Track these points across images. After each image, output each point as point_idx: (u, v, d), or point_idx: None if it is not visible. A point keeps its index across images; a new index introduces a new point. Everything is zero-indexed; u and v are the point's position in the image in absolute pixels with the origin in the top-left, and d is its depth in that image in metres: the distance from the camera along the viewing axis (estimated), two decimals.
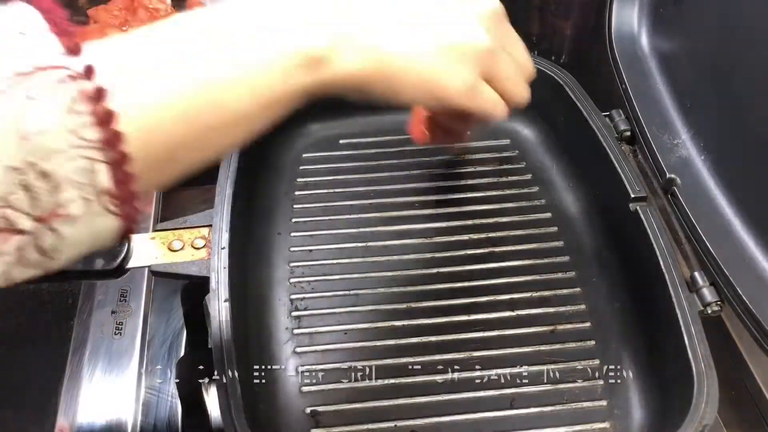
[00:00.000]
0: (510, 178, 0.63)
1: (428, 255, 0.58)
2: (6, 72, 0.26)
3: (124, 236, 0.30)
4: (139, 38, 0.31)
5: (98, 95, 0.27)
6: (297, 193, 0.62)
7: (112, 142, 0.27)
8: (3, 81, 0.26)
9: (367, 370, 0.51)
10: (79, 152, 0.26)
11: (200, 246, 0.50)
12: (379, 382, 0.50)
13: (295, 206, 0.61)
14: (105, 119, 0.27)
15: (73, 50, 0.28)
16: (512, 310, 0.55)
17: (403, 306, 0.54)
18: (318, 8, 0.35)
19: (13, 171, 0.25)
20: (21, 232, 0.26)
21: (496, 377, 0.51)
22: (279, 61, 0.33)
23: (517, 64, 0.41)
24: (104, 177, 0.27)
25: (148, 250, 0.50)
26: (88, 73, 0.27)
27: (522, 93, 0.42)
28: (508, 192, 0.62)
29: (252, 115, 0.33)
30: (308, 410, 0.49)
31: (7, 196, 0.26)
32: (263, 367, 0.50)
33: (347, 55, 0.34)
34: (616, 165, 0.56)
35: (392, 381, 0.50)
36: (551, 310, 0.55)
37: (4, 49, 0.26)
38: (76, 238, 0.28)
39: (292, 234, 0.59)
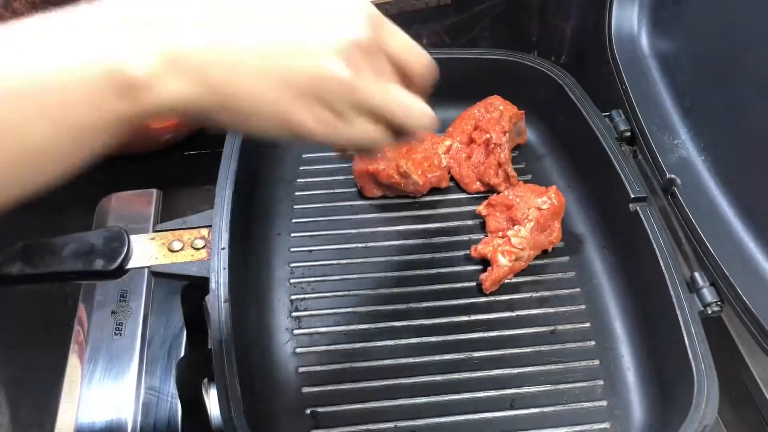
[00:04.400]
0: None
1: (428, 255, 0.58)
2: None
3: None
4: None
5: None
6: (297, 193, 0.62)
7: None
8: None
9: (367, 370, 0.51)
10: None
11: (200, 246, 0.50)
12: (379, 382, 0.50)
13: (295, 206, 0.61)
14: None
15: None
16: (512, 311, 0.55)
17: (404, 306, 0.54)
18: (142, 5, 0.28)
19: None
20: None
21: (496, 377, 0.51)
22: (82, 81, 0.26)
23: (398, 93, 0.34)
24: None
25: (147, 250, 0.50)
26: None
27: (412, 120, 0.35)
28: None
29: (58, 147, 0.27)
30: (308, 411, 0.49)
31: None
32: (263, 367, 0.50)
33: (170, 81, 0.28)
34: (616, 165, 0.56)
35: (392, 381, 0.50)
36: (551, 310, 0.55)
37: None
38: None
39: (292, 234, 0.59)
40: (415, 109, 0.35)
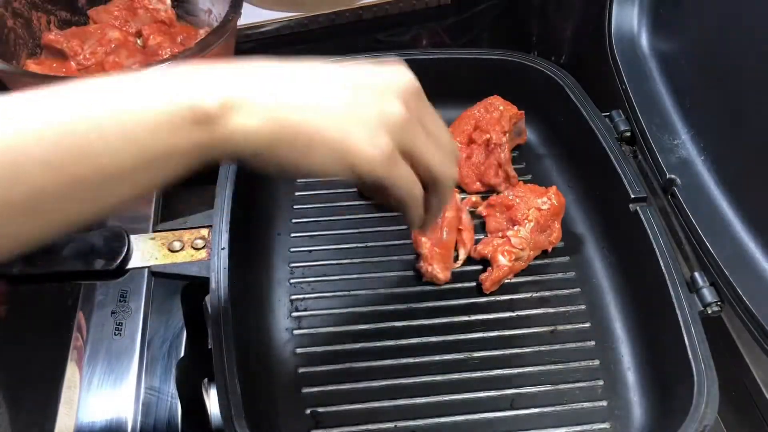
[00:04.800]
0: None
1: None
2: None
3: None
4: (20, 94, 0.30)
5: None
6: (297, 193, 0.62)
7: None
8: None
9: (367, 370, 0.51)
10: None
11: (200, 246, 0.50)
12: (379, 382, 0.50)
13: (295, 206, 0.61)
14: None
15: None
16: (512, 311, 0.55)
17: (404, 306, 0.54)
18: (212, 69, 0.33)
19: None
20: None
21: (496, 377, 0.51)
22: (160, 112, 0.30)
23: (436, 141, 0.38)
24: None
25: (148, 250, 0.50)
26: None
27: (446, 169, 0.39)
28: None
29: (134, 171, 0.30)
30: (308, 411, 0.49)
31: None
32: (263, 367, 0.50)
33: (242, 114, 0.32)
34: (616, 165, 0.56)
35: (392, 381, 0.50)
36: (551, 310, 0.55)
37: None
38: None
39: (292, 234, 0.59)
40: (447, 161, 0.39)
